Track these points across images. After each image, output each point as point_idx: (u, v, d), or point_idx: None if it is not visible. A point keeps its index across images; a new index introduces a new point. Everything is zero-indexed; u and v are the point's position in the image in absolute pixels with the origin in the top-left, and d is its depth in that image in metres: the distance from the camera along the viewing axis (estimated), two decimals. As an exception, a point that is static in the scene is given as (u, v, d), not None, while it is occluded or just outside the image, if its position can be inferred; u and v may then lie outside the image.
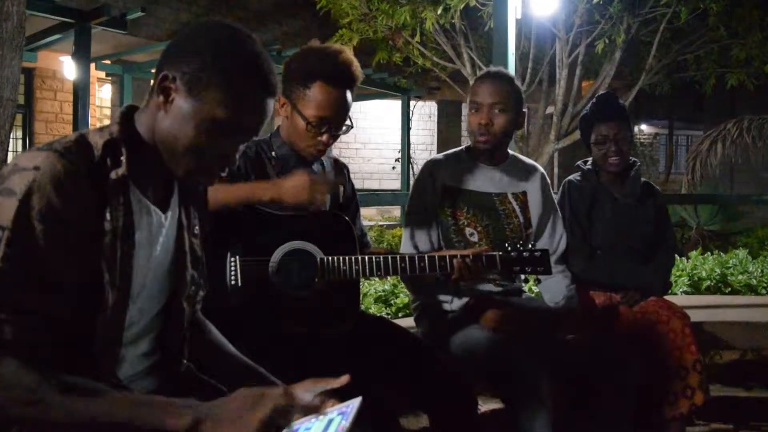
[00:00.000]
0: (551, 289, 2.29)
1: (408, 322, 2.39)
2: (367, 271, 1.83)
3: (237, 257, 1.72)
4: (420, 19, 6.76)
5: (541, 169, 2.37)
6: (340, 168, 2.07)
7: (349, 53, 1.83)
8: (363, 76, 1.90)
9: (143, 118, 1.17)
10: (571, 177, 2.66)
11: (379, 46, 7.52)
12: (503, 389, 2.01)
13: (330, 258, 1.77)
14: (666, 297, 2.51)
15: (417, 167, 10.85)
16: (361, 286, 2.03)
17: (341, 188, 1.99)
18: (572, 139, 7.47)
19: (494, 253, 1.91)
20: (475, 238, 2.17)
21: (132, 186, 1.14)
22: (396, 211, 10.80)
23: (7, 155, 3.14)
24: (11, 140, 3.42)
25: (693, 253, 4.30)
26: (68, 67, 8.11)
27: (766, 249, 5.97)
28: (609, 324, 2.38)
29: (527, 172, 2.30)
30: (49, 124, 9.68)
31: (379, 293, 3.17)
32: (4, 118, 3.02)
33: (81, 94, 6.18)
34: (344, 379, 1.14)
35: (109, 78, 10.17)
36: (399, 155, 10.95)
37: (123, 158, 1.12)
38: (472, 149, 2.25)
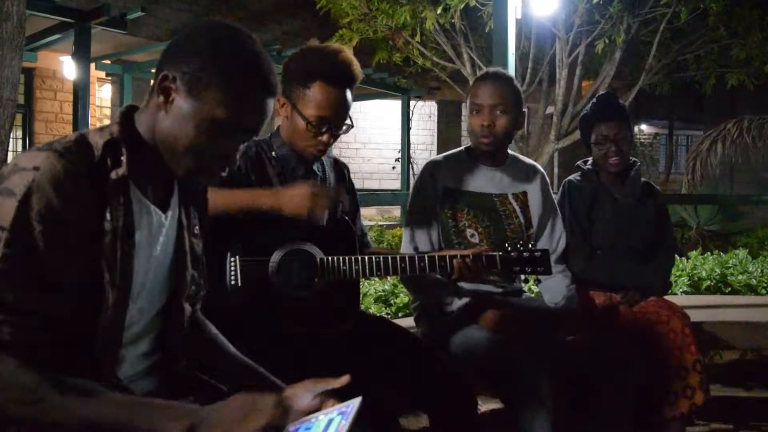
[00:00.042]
0: (551, 289, 2.29)
1: (408, 322, 2.39)
2: (367, 271, 1.82)
3: (237, 257, 1.72)
4: (420, 19, 6.76)
5: (541, 168, 2.37)
6: (340, 168, 2.07)
7: (348, 52, 1.83)
8: (362, 76, 1.89)
9: (143, 118, 1.17)
10: (571, 177, 2.66)
11: (379, 46, 7.52)
12: (503, 389, 2.01)
13: (330, 258, 1.77)
14: (666, 297, 2.51)
15: (417, 167, 10.85)
16: (361, 286, 2.03)
17: (341, 203, 1.97)
18: (572, 139, 7.47)
19: (494, 253, 1.91)
20: (476, 239, 2.17)
21: (132, 186, 1.14)
22: (396, 211, 10.80)
23: (7, 155, 3.14)
24: (11, 140, 3.43)
25: (693, 253, 4.30)
26: (68, 67, 8.11)
27: (766, 249, 5.97)
28: (609, 324, 2.38)
29: (527, 172, 2.30)
30: (49, 124, 9.68)
31: (379, 293, 3.17)
32: (4, 118, 3.02)
33: (81, 94, 6.18)
34: (344, 379, 1.14)
35: (109, 78, 10.17)
36: (399, 155, 10.95)
37: (123, 158, 1.12)
38: (472, 150, 2.25)
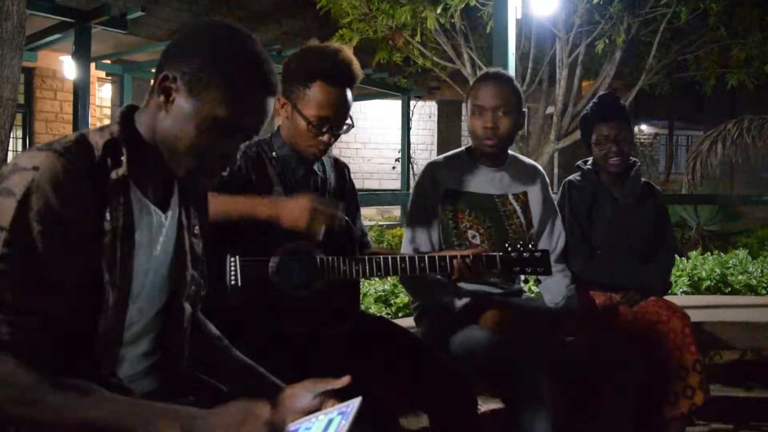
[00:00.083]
0: (551, 289, 2.29)
1: (408, 322, 2.39)
2: (367, 271, 1.82)
3: (237, 257, 1.72)
4: (420, 18, 6.76)
5: (540, 168, 2.37)
6: (341, 168, 2.07)
7: (348, 52, 1.83)
8: (363, 75, 1.89)
9: (143, 118, 1.17)
10: (571, 177, 2.66)
11: (379, 46, 7.53)
12: (503, 389, 2.01)
13: (330, 258, 1.77)
14: (666, 297, 2.51)
15: (417, 167, 10.86)
16: (361, 286, 2.03)
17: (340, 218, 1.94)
18: (572, 139, 7.47)
19: (494, 253, 1.91)
20: (477, 240, 2.17)
21: (132, 186, 1.14)
22: (396, 211, 10.81)
23: (7, 155, 3.14)
24: (11, 140, 3.42)
25: (693, 253, 4.30)
26: (68, 67, 8.11)
27: (766, 249, 5.97)
28: (609, 324, 2.38)
29: (527, 172, 2.30)
30: (49, 124, 9.67)
31: (379, 293, 3.17)
32: (4, 117, 3.02)
33: (81, 93, 6.19)
34: (345, 380, 1.14)
35: (109, 78, 10.17)
36: (399, 155, 10.96)
37: (123, 158, 1.12)
38: (473, 150, 2.25)
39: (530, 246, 1.96)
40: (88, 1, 6.60)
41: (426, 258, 1.88)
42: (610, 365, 2.09)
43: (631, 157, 2.59)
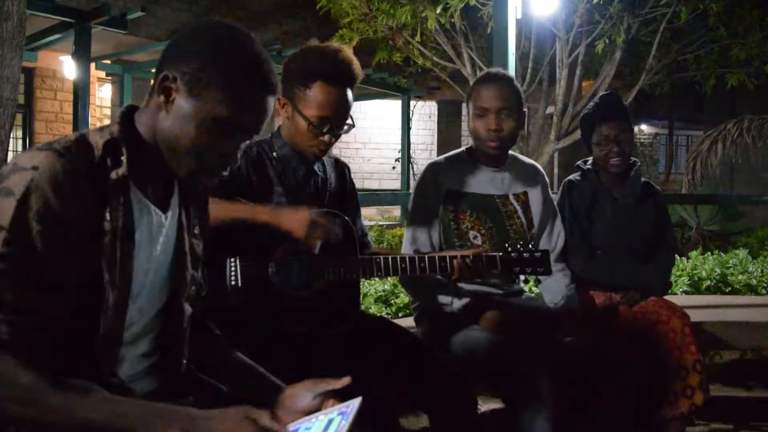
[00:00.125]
0: (551, 288, 2.29)
1: (408, 322, 2.39)
2: (368, 271, 1.82)
3: (237, 258, 1.72)
4: (420, 18, 6.76)
5: (540, 168, 2.37)
6: (341, 168, 2.06)
7: (348, 52, 1.82)
8: (363, 75, 1.89)
9: (144, 118, 1.17)
10: (571, 177, 2.66)
11: (379, 46, 7.53)
12: (503, 389, 2.01)
13: (330, 258, 1.77)
14: (666, 297, 2.51)
15: (417, 167, 10.87)
16: (361, 286, 2.03)
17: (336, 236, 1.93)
18: (572, 139, 7.47)
19: (494, 253, 1.91)
20: (478, 241, 2.17)
21: (132, 186, 1.14)
22: (396, 211, 10.81)
23: (7, 155, 3.14)
24: (11, 140, 3.42)
25: (693, 253, 4.30)
26: (68, 67, 8.11)
27: (766, 249, 5.97)
28: (609, 324, 2.38)
29: (527, 172, 2.30)
30: (49, 124, 9.67)
31: (379, 293, 3.17)
32: (4, 118, 3.02)
33: (81, 93, 6.19)
34: (346, 380, 1.14)
35: (109, 78, 10.17)
36: (399, 155, 10.97)
37: (123, 158, 1.12)
38: (473, 151, 2.25)
39: (530, 246, 1.96)
40: (88, 1, 6.60)
41: (426, 258, 1.88)
42: (610, 365, 2.09)
43: (631, 157, 2.58)
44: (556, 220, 2.35)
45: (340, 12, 7.14)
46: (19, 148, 9.32)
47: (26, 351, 0.99)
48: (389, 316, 3.00)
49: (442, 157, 2.30)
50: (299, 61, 1.83)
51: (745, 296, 3.68)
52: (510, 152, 2.30)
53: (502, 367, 1.94)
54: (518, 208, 2.23)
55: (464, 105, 2.55)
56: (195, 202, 1.31)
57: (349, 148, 15.04)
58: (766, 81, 7.65)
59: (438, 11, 6.59)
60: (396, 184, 12.51)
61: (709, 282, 3.73)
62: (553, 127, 7.65)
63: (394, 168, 12.20)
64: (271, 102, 1.18)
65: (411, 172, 10.71)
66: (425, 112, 14.96)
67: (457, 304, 2.15)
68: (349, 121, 1.85)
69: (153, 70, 1.19)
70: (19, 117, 9.09)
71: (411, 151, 10.94)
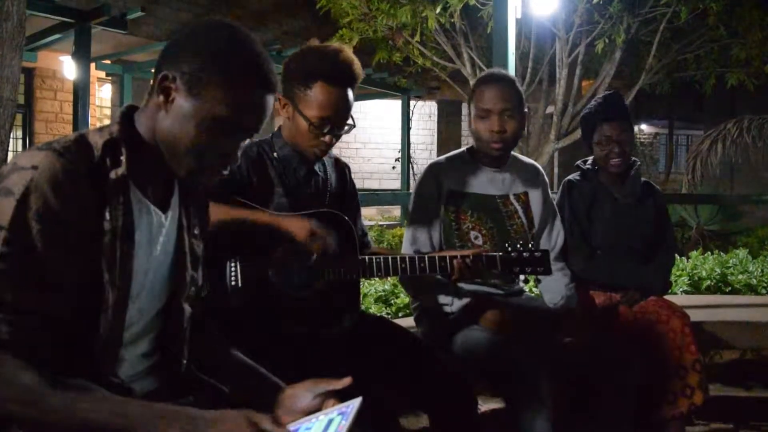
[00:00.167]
0: (551, 288, 2.29)
1: (408, 322, 2.39)
2: (368, 271, 1.82)
3: (237, 258, 1.72)
4: (420, 18, 6.76)
5: (540, 167, 2.37)
6: (342, 168, 2.06)
7: (348, 52, 1.82)
8: (364, 75, 1.89)
9: (143, 117, 1.17)
10: (571, 176, 2.65)
11: (379, 45, 7.52)
12: (503, 389, 2.01)
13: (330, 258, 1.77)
14: (666, 297, 2.51)
15: (417, 167, 10.87)
16: (361, 286, 2.03)
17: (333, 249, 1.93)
18: (572, 139, 7.47)
19: (494, 253, 1.91)
20: (479, 241, 2.17)
21: (132, 186, 1.14)
22: (396, 211, 10.81)
23: (7, 155, 3.14)
24: (11, 140, 3.42)
25: (693, 253, 4.30)
26: (68, 67, 8.11)
27: (766, 249, 5.97)
28: (609, 324, 2.38)
29: (527, 172, 2.30)
30: (49, 124, 9.67)
31: (379, 293, 3.17)
32: (4, 118, 3.02)
33: (81, 93, 6.19)
34: (346, 381, 1.14)
35: (109, 78, 10.17)
36: (399, 155, 10.96)
37: (123, 158, 1.12)
38: (474, 151, 2.25)
39: (531, 246, 1.96)
40: (88, 1, 6.59)
41: (426, 258, 1.88)
42: (610, 365, 2.09)
43: (631, 157, 2.58)
44: (555, 219, 2.35)
45: (340, 12, 7.14)
46: (19, 148, 9.31)
47: (26, 351, 0.99)
48: (389, 316, 3.00)
49: (442, 157, 2.30)
50: (299, 61, 1.83)
51: (745, 296, 3.68)
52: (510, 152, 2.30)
53: (502, 367, 1.94)
54: (519, 208, 2.23)
55: (464, 105, 2.55)
56: (195, 202, 1.31)
57: (349, 148, 15.04)
58: (766, 81, 7.65)
59: (438, 11, 6.59)
60: (396, 184, 12.51)
61: (709, 282, 3.74)
62: (553, 127, 7.65)
63: (394, 168, 12.20)
64: (271, 101, 1.18)
65: (411, 172, 10.71)
66: (425, 112, 14.96)
67: (457, 304, 2.15)
68: (349, 121, 1.85)
69: (153, 70, 1.18)
70: (19, 117, 9.09)
71: (411, 151, 10.94)
